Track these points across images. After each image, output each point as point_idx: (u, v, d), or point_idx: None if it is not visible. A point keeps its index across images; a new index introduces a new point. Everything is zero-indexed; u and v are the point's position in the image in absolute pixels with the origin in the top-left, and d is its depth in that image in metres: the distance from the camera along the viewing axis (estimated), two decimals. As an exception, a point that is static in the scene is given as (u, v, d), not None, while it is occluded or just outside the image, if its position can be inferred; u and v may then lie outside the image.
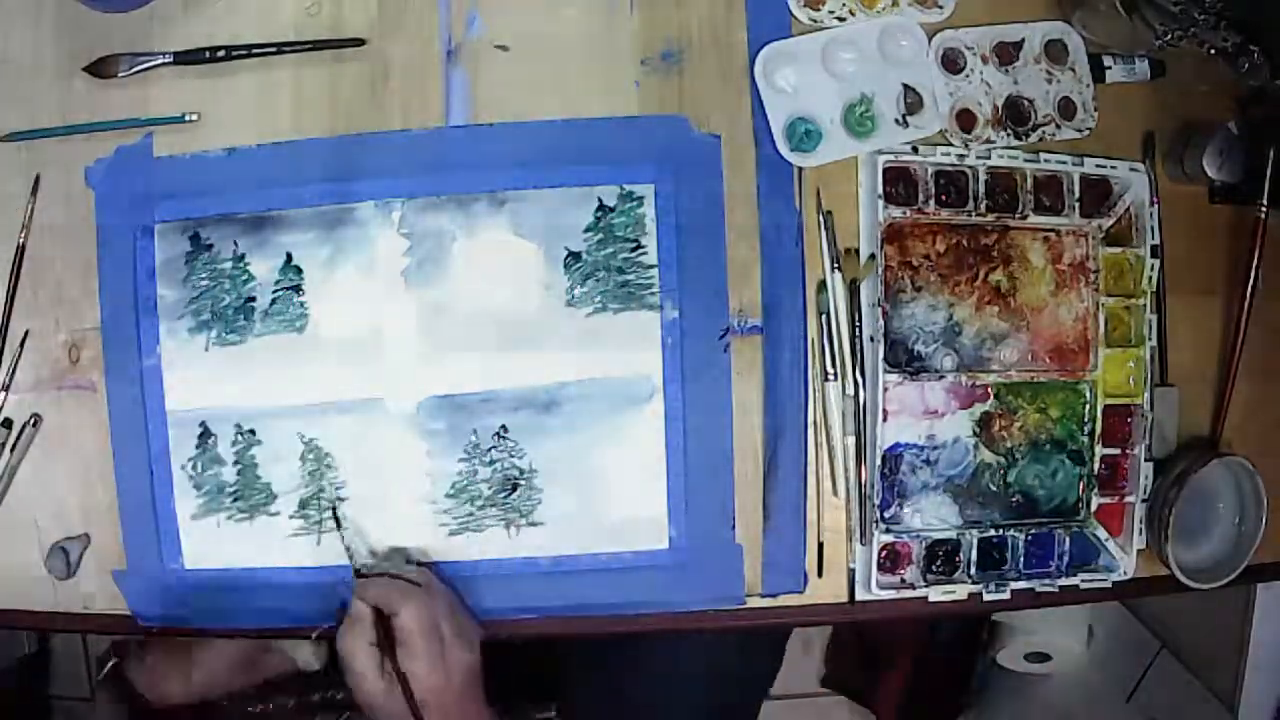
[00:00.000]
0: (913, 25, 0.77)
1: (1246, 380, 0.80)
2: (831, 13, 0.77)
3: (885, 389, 0.76)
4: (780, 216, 0.76)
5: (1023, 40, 0.79)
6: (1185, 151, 0.79)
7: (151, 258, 0.75)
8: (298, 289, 0.76)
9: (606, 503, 0.76)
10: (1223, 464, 0.78)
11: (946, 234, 0.77)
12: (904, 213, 0.76)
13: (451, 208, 0.75)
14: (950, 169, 0.76)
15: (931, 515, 0.78)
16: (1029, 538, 0.78)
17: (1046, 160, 0.78)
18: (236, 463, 0.76)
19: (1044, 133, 0.78)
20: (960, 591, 0.77)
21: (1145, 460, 0.79)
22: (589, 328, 0.76)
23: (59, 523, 0.76)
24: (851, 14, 0.77)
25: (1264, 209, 0.78)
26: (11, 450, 0.75)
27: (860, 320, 0.76)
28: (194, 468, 0.76)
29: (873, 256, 0.76)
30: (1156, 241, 0.78)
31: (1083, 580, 0.78)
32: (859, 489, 0.76)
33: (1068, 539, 0.79)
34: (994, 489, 0.79)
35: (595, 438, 0.76)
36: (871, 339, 0.76)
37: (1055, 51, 0.79)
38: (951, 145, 0.77)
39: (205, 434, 0.76)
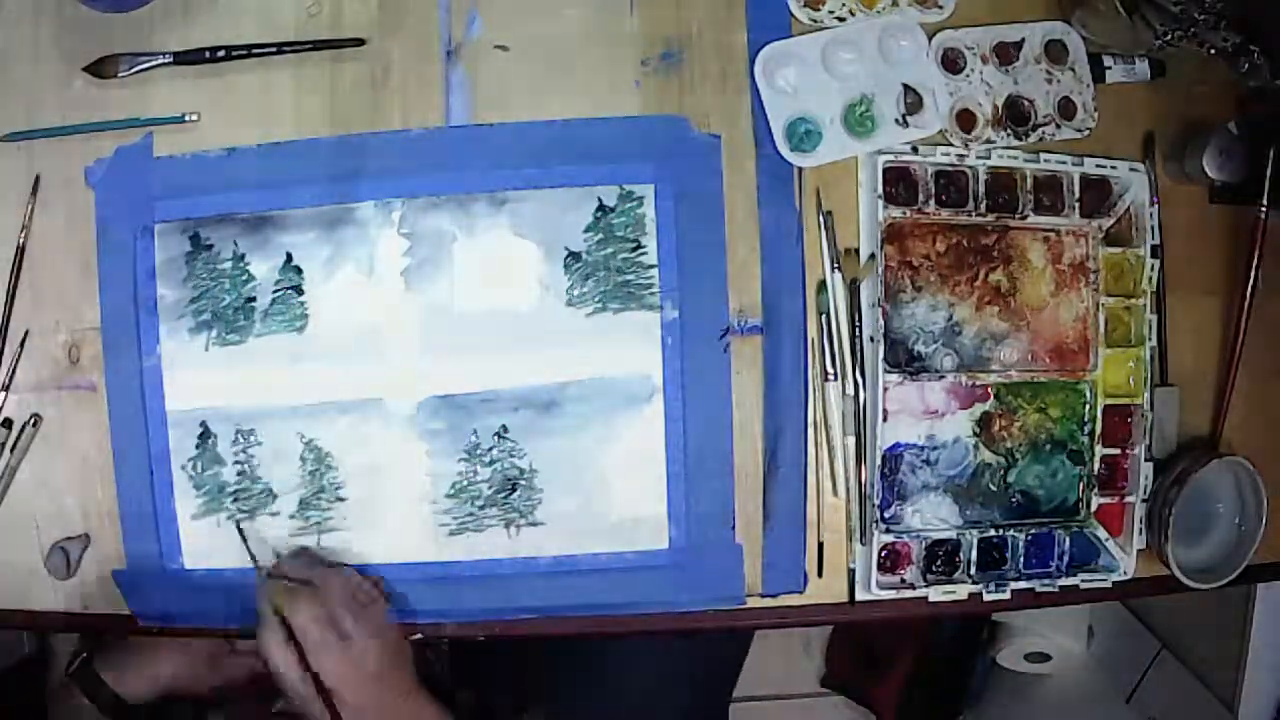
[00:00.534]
0: (913, 25, 0.77)
1: (1246, 380, 0.80)
2: (831, 13, 0.77)
3: (885, 389, 0.76)
4: (780, 216, 0.76)
5: (1023, 40, 0.79)
6: (1185, 151, 0.79)
7: (151, 258, 0.75)
8: (298, 289, 0.76)
9: (606, 503, 0.76)
10: (1223, 464, 0.78)
11: (946, 234, 0.77)
12: (904, 213, 0.76)
13: (451, 208, 0.75)
14: (950, 169, 0.77)
15: (931, 515, 0.78)
16: (1029, 538, 0.78)
17: (1046, 160, 0.78)
18: (236, 463, 0.76)
19: (1044, 133, 0.78)
20: (960, 591, 0.77)
21: (1145, 460, 0.79)
22: (589, 328, 0.76)
23: (59, 523, 0.76)
24: (851, 14, 0.77)
25: (1264, 209, 0.78)
26: (11, 450, 0.75)
27: (860, 320, 0.76)
28: (194, 468, 0.76)
29: (873, 256, 0.76)
30: (1156, 241, 0.78)
31: (1083, 580, 0.78)
32: (859, 489, 0.76)
33: (1068, 539, 0.79)
34: (994, 489, 0.79)
35: (595, 438, 0.76)
36: (871, 339, 0.76)
37: (1055, 51, 0.79)
38: (951, 145, 0.77)
39: (205, 434, 0.76)
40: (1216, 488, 0.79)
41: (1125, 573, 0.78)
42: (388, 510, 0.76)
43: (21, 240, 0.75)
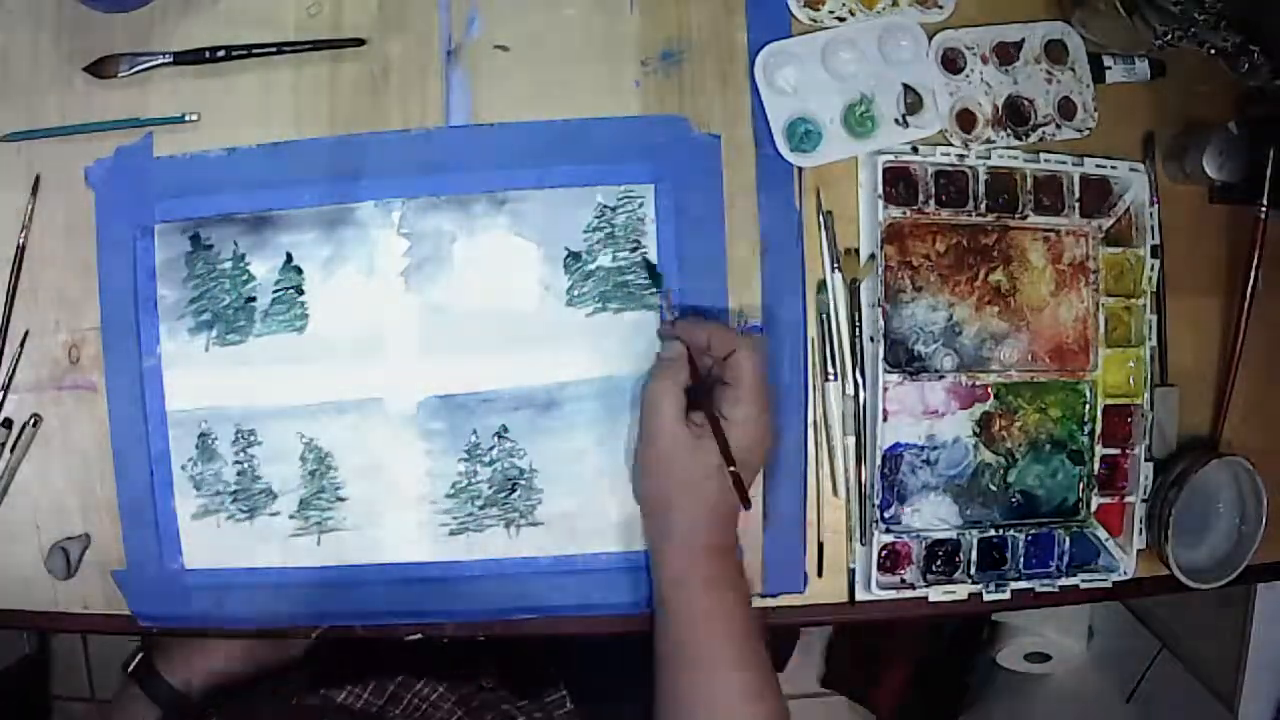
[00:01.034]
0: (913, 25, 0.77)
1: (1246, 380, 0.80)
2: (831, 13, 0.77)
3: (885, 389, 0.76)
4: (780, 216, 0.76)
5: (1023, 40, 0.79)
6: (1185, 151, 0.79)
7: (151, 258, 0.75)
8: (298, 289, 0.76)
9: (607, 503, 0.76)
10: (1223, 464, 0.78)
11: (946, 234, 0.77)
12: (904, 213, 0.76)
13: (451, 208, 0.75)
14: (950, 169, 0.77)
15: (931, 515, 0.78)
16: (1029, 538, 0.78)
17: (1046, 160, 0.78)
18: (236, 463, 0.76)
19: (1044, 133, 0.78)
20: (960, 591, 0.77)
21: (1145, 460, 0.79)
22: (589, 328, 0.76)
23: (59, 523, 0.76)
24: (851, 14, 0.77)
25: (1264, 209, 0.78)
26: (11, 450, 0.75)
27: (860, 320, 0.76)
28: (194, 468, 0.76)
29: (873, 256, 0.76)
30: (1156, 241, 0.78)
31: (1083, 580, 0.78)
32: (859, 489, 0.76)
33: (1068, 539, 0.79)
34: (994, 489, 0.79)
35: (595, 438, 0.76)
36: (871, 339, 0.76)
37: (1055, 51, 0.79)
38: (951, 145, 0.77)
39: (205, 434, 0.76)
40: (1216, 488, 0.79)
41: (1125, 573, 0.78)
42: (388, 510, 0.76)
43: (21, 240, 0.75)
